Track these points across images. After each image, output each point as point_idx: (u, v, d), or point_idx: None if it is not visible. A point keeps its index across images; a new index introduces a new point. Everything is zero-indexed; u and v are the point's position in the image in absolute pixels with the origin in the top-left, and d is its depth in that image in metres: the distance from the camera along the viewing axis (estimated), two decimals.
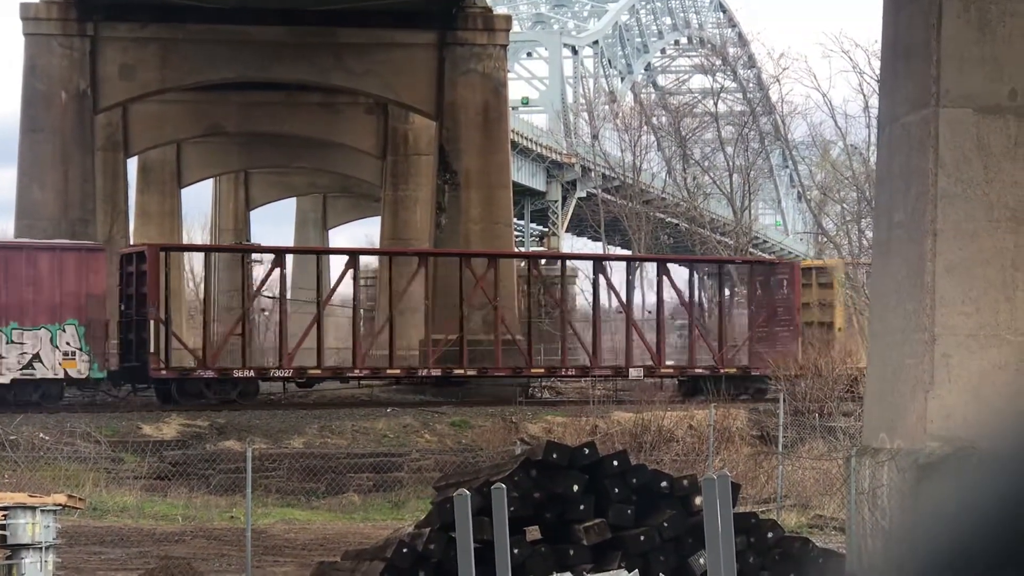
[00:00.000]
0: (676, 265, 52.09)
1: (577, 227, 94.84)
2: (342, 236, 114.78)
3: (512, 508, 12.87)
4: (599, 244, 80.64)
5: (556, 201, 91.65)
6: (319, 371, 42.14)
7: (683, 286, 47.78)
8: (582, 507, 14.03)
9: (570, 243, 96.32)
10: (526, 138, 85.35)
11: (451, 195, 50.85)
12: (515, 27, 73.88)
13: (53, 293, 37.94)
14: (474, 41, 51.26)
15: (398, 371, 43.72)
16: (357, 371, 42.70)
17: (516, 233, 78.79)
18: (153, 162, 73.32)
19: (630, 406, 36.86)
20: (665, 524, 13.98)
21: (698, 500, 13.75)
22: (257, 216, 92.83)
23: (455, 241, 49.64)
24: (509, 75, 58.04)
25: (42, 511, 15.62)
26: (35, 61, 49.59)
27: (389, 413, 38.22)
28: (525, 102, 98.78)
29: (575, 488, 14.01)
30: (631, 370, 44.88)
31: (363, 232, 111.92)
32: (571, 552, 13.89)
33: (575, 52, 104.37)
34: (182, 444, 34.02)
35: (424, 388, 45.33)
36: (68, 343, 38.00)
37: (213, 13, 50.32)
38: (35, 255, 38.27)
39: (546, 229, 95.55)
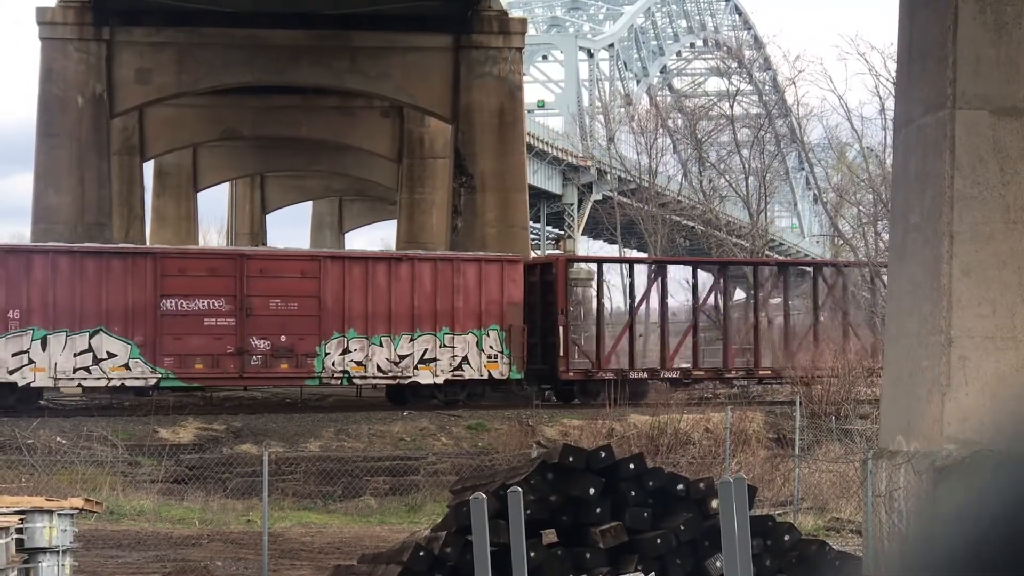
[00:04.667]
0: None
1: (593, 230, 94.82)
2: (359, 239, 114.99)
3: (528, 511, 12.87)
4: (615, 247, 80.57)
5: (572, 204, 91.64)
6: (701, 372, 44.09)
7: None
8: (598, 510, 14.02)
9: (586, 246, 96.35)
10: (542, 141, 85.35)
11: (467, 198, 50.81)
12: (530, 30, 73.91)
13: (478, 301, 40.21)
14: (489, 44, 51.24)
15: (768, 371, 44.89)
16: (733, 371, 44.49)
17: (532, 236, 78.76)
18: (169, 166, 73.46)
19: (646, 409, 36.85)
20: (681, 527, 13.97)
21: (714, 503, 13.74)
22: (273, 219, 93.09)
23: (471, 244, 49.58)
24: (524, 78, 58.00)
25: (59, 515, 15.66)
26: (51, 65, 49.63)
27: (405, 416, 38.24)
28: (541, 105, 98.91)
29: (591, 491, 14.00)
30: None
31: (379, 235, 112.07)
32: (587, 555, 13.89)
33: (590, 55, 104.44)
34: (199, 448, 34.03)
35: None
36: (491, 346, 40.24)
37: (229, 17, 50.36)
38: (462, 266, 40.52)
39: (562, 232, 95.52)
